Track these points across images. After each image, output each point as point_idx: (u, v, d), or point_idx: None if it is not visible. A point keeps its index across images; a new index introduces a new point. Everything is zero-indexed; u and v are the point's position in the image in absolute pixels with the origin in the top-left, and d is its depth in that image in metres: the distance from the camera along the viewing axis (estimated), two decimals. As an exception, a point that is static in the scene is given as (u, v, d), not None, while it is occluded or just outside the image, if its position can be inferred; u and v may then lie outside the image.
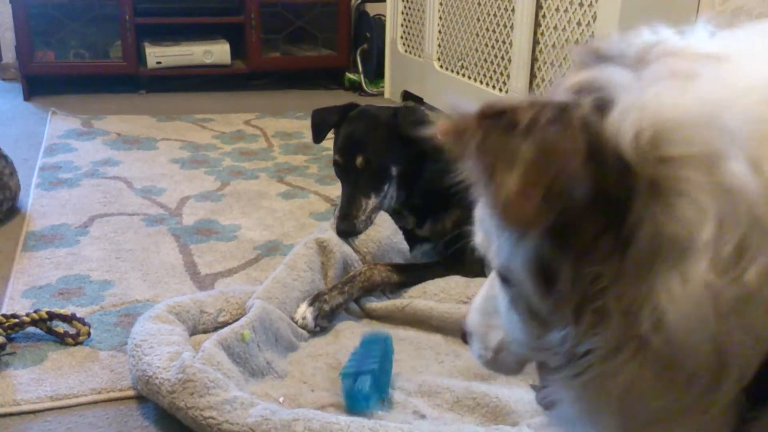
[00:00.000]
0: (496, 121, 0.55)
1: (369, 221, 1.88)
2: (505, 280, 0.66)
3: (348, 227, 1.84)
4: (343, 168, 1.94)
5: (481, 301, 0.78)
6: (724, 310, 0.52)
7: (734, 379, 0.53)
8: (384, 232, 1.87)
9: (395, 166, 1.91)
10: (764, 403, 0.54)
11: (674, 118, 0.53)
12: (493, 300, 0.73)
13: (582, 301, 0.56)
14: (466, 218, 2.11)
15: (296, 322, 1.64)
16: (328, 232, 1.85)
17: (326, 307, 1.67)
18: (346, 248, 1.83)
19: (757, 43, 0.61)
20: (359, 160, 1.89)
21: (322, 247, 1.80)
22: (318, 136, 2.09)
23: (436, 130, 0.58)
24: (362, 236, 1.86)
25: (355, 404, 1.37)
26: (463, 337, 0.81)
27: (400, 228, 2.00)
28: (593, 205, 0.53)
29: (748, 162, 0.51)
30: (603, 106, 0.55)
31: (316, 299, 1.68)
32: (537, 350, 0.64)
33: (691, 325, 0.52)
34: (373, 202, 1.89)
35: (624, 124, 0.53)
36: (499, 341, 0.73)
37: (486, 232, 0.65)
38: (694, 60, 0.58)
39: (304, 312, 1.65)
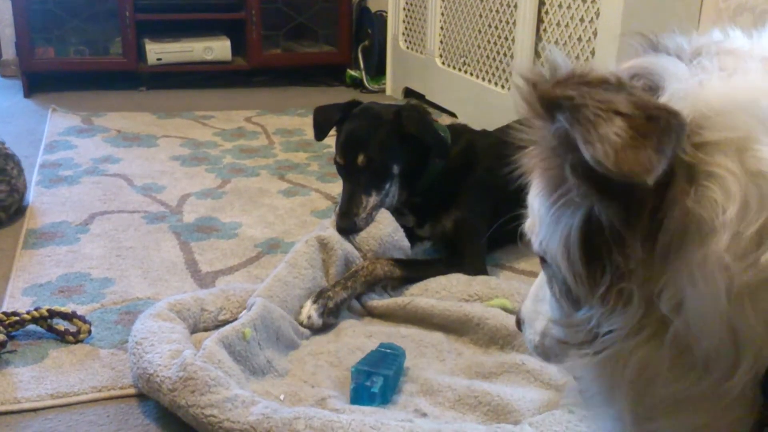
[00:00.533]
0: (585, 79, 0.56)
1: (370, 219, 1.87)
2: (543, 260, 0.67)
3: (348, 224, 1.84)
4: (345, 166, 1.93)
5: (534, 288, 0.79)
6: (739, 293, 0.52)
7: (748, 366, 0.53)
8: (385, 230, 1.87)
9: (397, 165, 1.90)
10: None
11: (713, 105, 0.55)
12: (544, 286, 0.74)
13: (610, 282, 0.57)
14: (465, 219, 2.11)
15: (302, 323, 1.64)
16: (329, 229, 1.84)
17: (331, 304, 1.66)
18: (347, 245, 1.83)
19: None
20: (361, 158, 1.88)
21: (323, 245, 1.80)
22: (320, 134, 2.08)
23: (519, 97, 0.58)
24: (363, 234, 1.85)
25: (359, 400, 1.37)
26: (517, 323, 0.82)
27: (401, 226, 1.99)
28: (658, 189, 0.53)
29: None
30: (653, 91, 0.57)
31: (319, 296, 1.68)
32: (565, 327, 0.65)
33: (707, 307, 0.53)
34: (374, 200, 1.89)
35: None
36: (544, 325, 0.74)
37: (534, 214, 0.66)
38: (745, 58, 0.59)
39: (309, 311, 1.64)
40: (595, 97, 0.53)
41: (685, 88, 0.57)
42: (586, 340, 0.62)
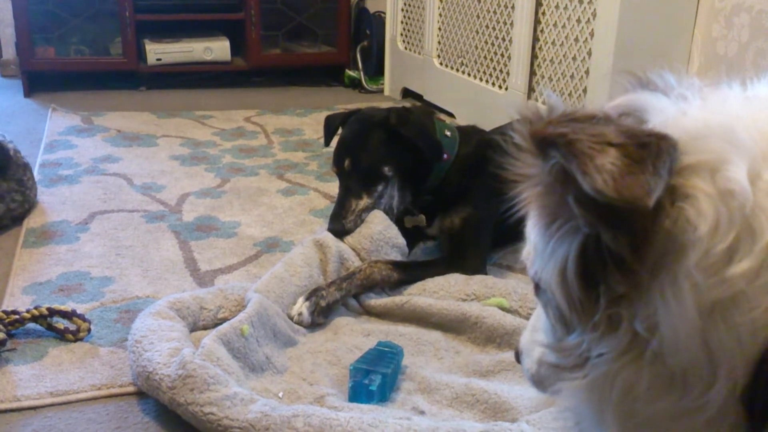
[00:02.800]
0: (574, 116, 0.59)
1: (359, 220, 1.91)
2: (538, 287, 0.69)
3: (336, 226, 1.89)
4: (337, 171, 1.99)
5: (532, 319, 0.81)
6: (710, 309, 0.54)
7: (723, 381, 0.55)
8: (375, 228, 1.89)
9: (389, 167, 1.92)
10: (764, 424, 0.54)
11: (691, 131, 0.57)
12: (540, 317, 0.75)
13: (604, 309, 0.59)
14: (474, 216, 2.12)
15: (292, 318, 1.65)
16: (324, 232, 1.89)
17: (323, 303, 1.67)
18: (342, 244, 1.86)
19: None
20: (347, 162, 1.93)
21: (319, 245, 1.82)
22: (326, 139, 2.16)
23: (519, 137, 0.61)
24: (355, 234, 1.89)
25: (357, 398, 1.38)
26: (516, 356, 0.83)
27: (413, 228, 2.01)
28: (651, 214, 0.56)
29: (749, 170, 0.54)
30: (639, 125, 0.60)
31: (313, 294, 1.69)
32: (558, 351, 0.67)
33: (679, 325, 0.55)
34: (364, 202, 1.92)
35: None
36: (540, 353, 0.75)
37: (531, 244, 0.68)
38: (726, 92, 0.63)
39: (300, 307, 1.66)
40: (587, 131, 0.56)
41: (667, 118, 0.60)
42: (578, 364, 0.63)
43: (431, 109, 2.22)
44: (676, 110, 0.61)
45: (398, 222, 1.97)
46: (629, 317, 0.58)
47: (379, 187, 1.93)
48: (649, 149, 0.54)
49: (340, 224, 1.89)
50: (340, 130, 2.07)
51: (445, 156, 1.95)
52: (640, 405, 0.59)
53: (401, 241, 1.92)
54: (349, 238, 1.89)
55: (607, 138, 0.55)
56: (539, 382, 0.77)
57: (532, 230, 0.66)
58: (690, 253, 0.54)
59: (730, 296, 0.53)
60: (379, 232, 1.88)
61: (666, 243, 0.56)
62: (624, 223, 0.56)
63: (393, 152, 1.92)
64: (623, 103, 0.64)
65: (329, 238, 1.85)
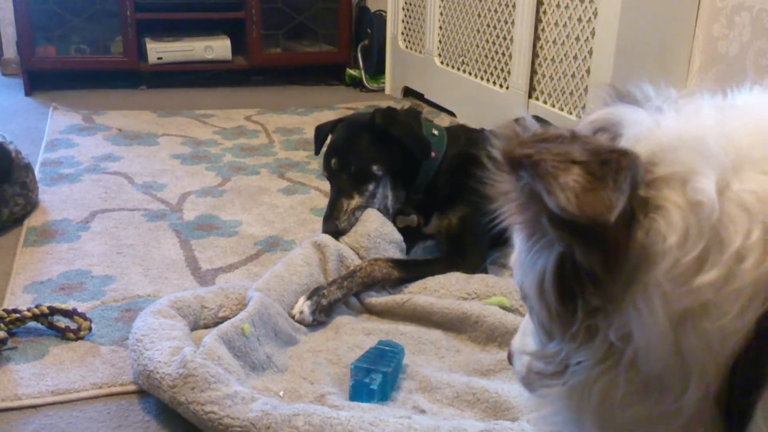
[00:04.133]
0: (543, 137, 0.60)
1: (352, 219, 1.92)
2: (523, 296, 0.71)
3: (330, 227, 1.90)
4: (327, 175, 2.01)
5: (523, 322, 0.82)
6: (680, 317, 0.55)
7: (696, 386, 0.56)
8: (371, 225, 1.90)
9: (379, 166, 1.93)
10: (741, 427, 0.55)
11: (664, 143, 0.59)
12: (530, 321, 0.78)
13: (581, 320, 0.61)
14: (471, 216, 2.14)
15: (293, 317, 1.65)
16: (321, 234, 1.90)
17: (324, 302, 1.68)
18: (340, 244, 1.87)
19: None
20: (333, 161, 1.95)
21: (318, 246, 1.83)
22: (317, 148, 2.18)
23: (493, 158, 0.62)
24: (351, 233, 1.90)
25: (358, 397, 1.38)
26: (509, 357, 0.85)
27: (407, 227, 2.01)
28: (623, 228, 0.57)
29: (718, 180, 0.55)
30: (614, 139, 0.61)
31: (314, 293, 1.69)
32: (541, 358, 0.68)
33: (650, 333, 0.56)
34: (356, 202, 1.93)
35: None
36: (527, 360, 0.77)
37: (516, 252, 0.70)
38: (701, 103, 0.64)
39: (302, 306, 1.66)
40: (552, 150, 0.57)
41: (641, 130, 0.61)
42: (558, 372, 0.65)
43: (418, 109, 2.23)
44: (651, 122, 0.62)
45: (392, 221, 1.98)
46: (605, 327, 0.59)
47: (370, 187, 1.94)
48: (610, 165, 0.55)
49: (334, 225, 1.91)
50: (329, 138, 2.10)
51: (433, 154, 1.96)
52: (617, 411, 0.60)
53: (398, 236, 1.92)
54: (346, 238, 1.89)
55: (571, 156, 0.56)
56: (528, 384, 0.79)
57: (516, 239, 0.68)
58: (660, 264, 0.55)
59: (700, 305, 0.54)
60: (376, 229, 1.89)
61: (639, 254, 0.56)
62: (595, 240, 0.57)
63: (381, 151, 1.94)
64: (599, 118, 0.65)
65: (327, 239, 1.86)
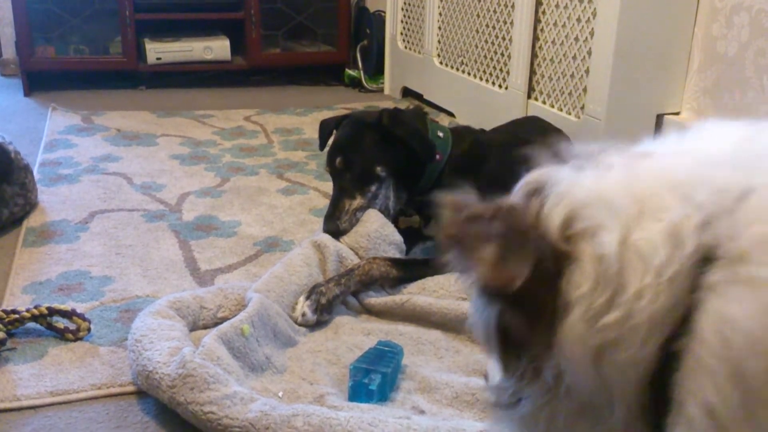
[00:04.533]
0: (469, 217, 0.70)
1: (354, 219, 1.92)
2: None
3: (331, 227, 1.90)
4: (330, 172, 2.01)
5: None
6: (595, 354, 0.64)
7: (619, 407, 0.65)
8: (372, 226, 1.90)
9: (383, 167, 1.93)
10: None
11: (581, 200, 0.67)
12: None
13: (526, 364, 0.71)
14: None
15: (296, 321, 1.65)
16: (321, 234, 1.90)
17: (323, 300, 1.67)
18: (340, 244, 1.87)
19: (689, 141, 0.72)
20: (338, 161, 1.95)
21: (317, 246, 1.83)
22: (321, 143, 2.18)
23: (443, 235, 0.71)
24: (351, 233, 1.90)
25: (357, 397, 1.38)
26: (485, 377, 0.94)
27: (407, 228, 2.01)
28: (545, 284, 0.66)
29: (621, 233, 0.63)
30: (542, 201, 0.69)
31: (312, 291, 1.69)
32: (497, 390, 0.78)
33: (576, 370, 0.65)
34: (358, 202, 1.93)
35: (550, 213, 0.67)
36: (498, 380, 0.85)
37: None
38: (623, 155, 0.71)
39: (302, 308, 1.66)
40: (474, 230, 0.68)
41: (563, 190, 0.68)
42: (512, 403, 0.75)
43: (424, 110, 2.22)
44: (572, 181, 0.69)
45: (393, 223, 1.97)
46: (546, 368, 0.68)
47: (373, 188, 1.94)
48: (519, 241, 0.66)
49: (335, 225, 1.90)
50: (334, 134, 2.09)
51: (437, 156, 1.96)
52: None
53: (398, 238, 1.92)
54: (346, 238, 1.90)
55: (487, 235, 0.66)
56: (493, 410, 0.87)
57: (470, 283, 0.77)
58: (576, 309, 0.64)
59: (610, 341, 0.63)
60: (376, 230, 1.89)
61: (562, 302, 0.65)
62: (515, 302, 0.66)
63: (386, 153, 1.94)
64: (532, 180, 0.73)
65: (327, 239, 1.86)
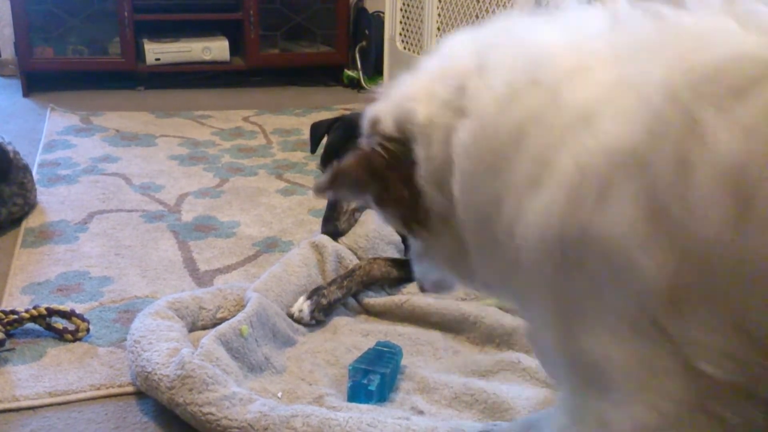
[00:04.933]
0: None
1: (352, 220, 1.93)
2: None
3: (330, 229, 1.91)
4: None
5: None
6: (432, 182, 0.91)
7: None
8: (370, 226, 1.92)
9: None
10: None
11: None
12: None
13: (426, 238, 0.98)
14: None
15: (292, 317, 1.65)
16: (319, 235, 1.90)
17: (324, 301, 1.68)
18: (338, 245, 1.88)
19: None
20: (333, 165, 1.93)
21: (315, 246, 1.83)
22: (312, 146, 2.20)
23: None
24: (349, 234, 1.91)
25: (356, 398, 1.38)
26: (420, 287, 1.22)
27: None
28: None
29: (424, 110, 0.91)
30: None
31: (314, 293, 1.69)
32: (420, 254, 1.06)
33: (434, 200, 0.91)
34: (355, 204, 1.93)
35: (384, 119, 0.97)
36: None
37: None
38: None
39: (301, 305, 1.66)
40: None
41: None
42: (427, 255, 1.03)
43: None
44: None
45: None
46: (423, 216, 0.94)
47: None
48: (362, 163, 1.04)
49: (333, 226, 1.91)
50: (326, 137, 2.10)
51: None
52: (458, 258, 0.94)
53: (396, 238, 1.93)
54: (344, 239, 1.90)
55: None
56: (422, 279, 1.12)
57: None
58: (422, 165, 0.91)
59: (436, 168, 0.89)
60: (374, 230, 1.90)
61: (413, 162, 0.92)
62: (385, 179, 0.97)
63: None
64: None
65: (325, 239, 1.86)
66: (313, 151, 2.19)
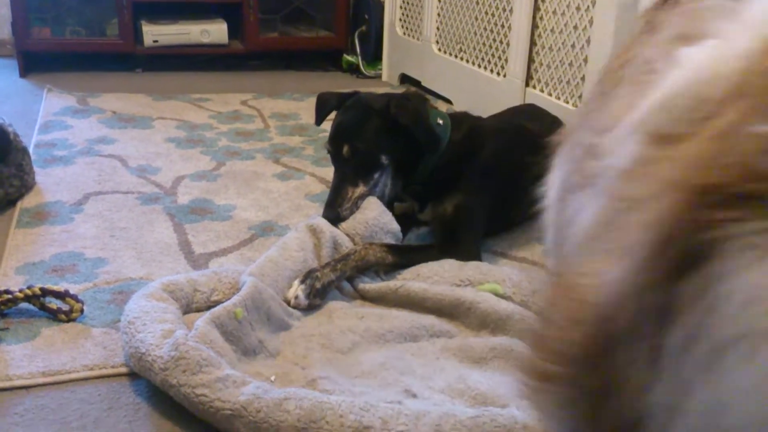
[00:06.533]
0: None
1: (354, 207, 1.91)
2: None
3: (332, 214, 1.89)
4: (333, 156, 1.97)
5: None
6: None
7: None
8: (370, 213, 1.89)
9: (386, 156, 1.92)
10: None
11: None
12: None
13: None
14: (466, 204, 2.14)
15: (288, 303, 1.65)
16: (318, 217, 1.89)
17: (318, 284, 1.67)
18: (336, 229, 1.86)
19: None
20: (345, 149, 1.91)
21: (313, 230, 1.82)
22: (318, 118, 2.12)
23: None
24: (349, 220, 1.89)
25: None
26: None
27: (403, 214, 2.01)
28: None
29: None
30: None
31: (308, 276, 1.68)
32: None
33: None
34: (360, 190, 1.92)
35: None
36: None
37: None
38: None
39: (296, 290, 1.66)
40: None
41: None
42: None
43: (425, 96, 2.19)
44: None
45: (388, 208, 1.97)
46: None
47: (375, 175, 1.93)
48: None
49: (336, 212, 1.89)
50: (336, 114, 2.06)
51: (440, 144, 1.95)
52: None
53: (395, 226, 1.92)
54: (343, 224, 1.89)
55: None
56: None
57: None
58: None
59: None
60: (374, 218, 1.88)
61: None
62: None
63: (390, 141, 1.92)
64: None
65: (323, 223, 1.85)
66: (318, 123, 2.11)
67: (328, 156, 2.02)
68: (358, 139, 1.91)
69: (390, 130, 1.91)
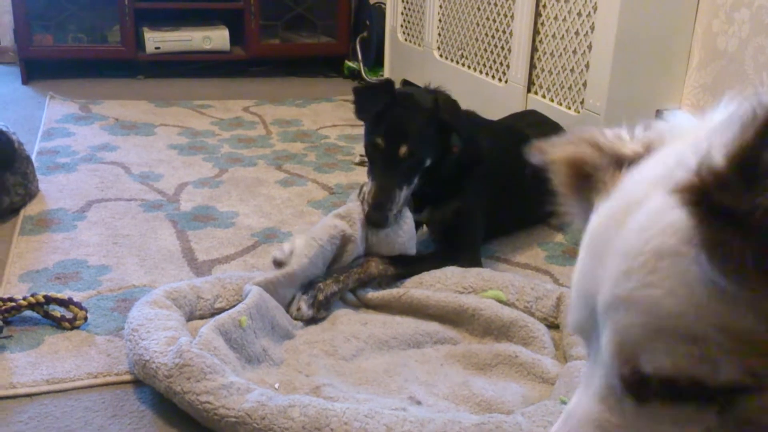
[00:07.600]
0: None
1: (398, 215, 1.83)
2: None
3: (380, 219, 1.78)
4: (384, 153, 1.84)
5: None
6: None
7: None
8: (401, 239, 1.83)
9: (429, 159, 1.87)
10: None
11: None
12: None
13: None
14: (466, 210, 2.12)
15: (291, 315, 1.64)
16: (350, 206, 1.80)
17: (321, 296, 1.67)
18: (360, 245, 1.79)
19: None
20: (404, 149, 1.81)
21: (346, 237, 1.76)
22: (361, 113, 1.94)
23: None
24: (381, 235, 1.81)
25: None
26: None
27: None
28: None
29: None
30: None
31: (310, 287, 1.68)
32: None
33: None
34: (405, 194, 1.84)
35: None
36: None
37: None
38: None
39: (299, 302, 1.65)
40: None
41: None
42: None
43: (452, 96, 2.06)
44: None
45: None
46: None
47: (416, 179, 1.87)
48: None
49: (384, 216, 1.77)
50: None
51: (454, 149, 1.91)
52: None
53: (413, 252, 1.87)
54: (374, 237, 1.80)
55: None
56: None
57: None
58: None
59: None
60: (402, 244, 1.83)
61: None
62: None
63: (436, 142, 1.87)
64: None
65: (355, 213, 1.77)
66: (360, 116, 1.94)
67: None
68: (414, 140, 1.82)
69: (434, 131, 1.86)
